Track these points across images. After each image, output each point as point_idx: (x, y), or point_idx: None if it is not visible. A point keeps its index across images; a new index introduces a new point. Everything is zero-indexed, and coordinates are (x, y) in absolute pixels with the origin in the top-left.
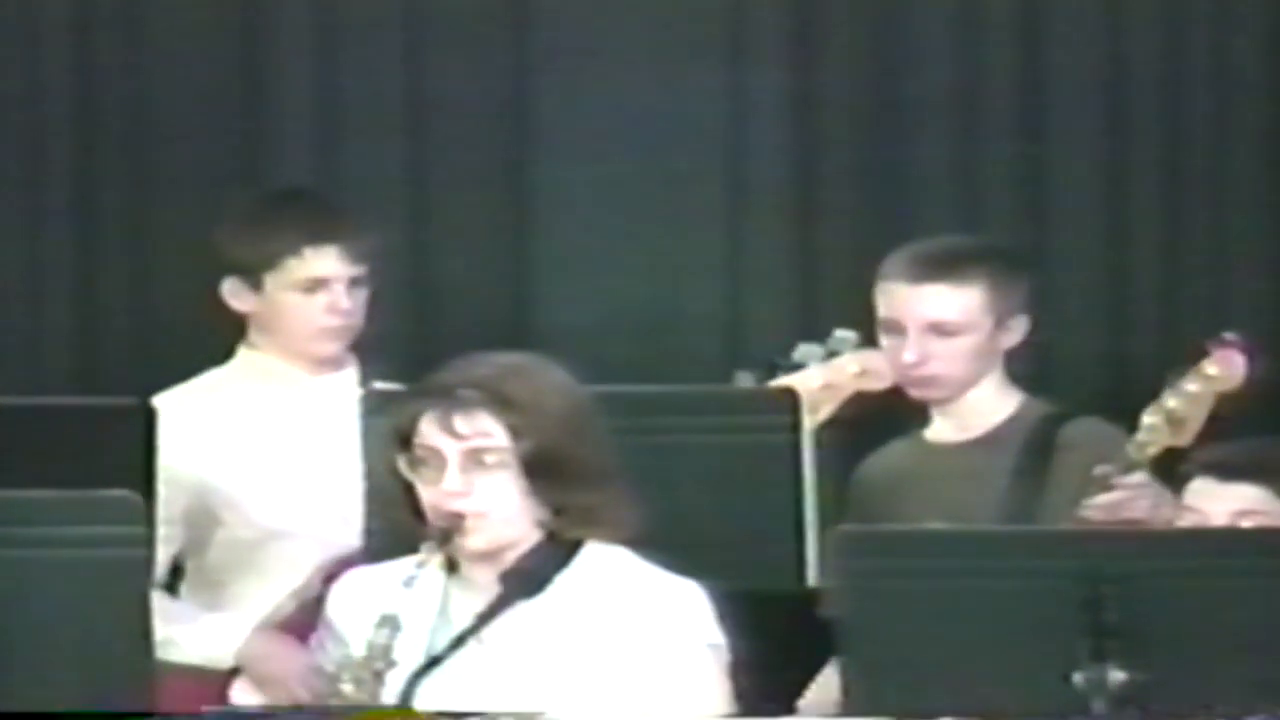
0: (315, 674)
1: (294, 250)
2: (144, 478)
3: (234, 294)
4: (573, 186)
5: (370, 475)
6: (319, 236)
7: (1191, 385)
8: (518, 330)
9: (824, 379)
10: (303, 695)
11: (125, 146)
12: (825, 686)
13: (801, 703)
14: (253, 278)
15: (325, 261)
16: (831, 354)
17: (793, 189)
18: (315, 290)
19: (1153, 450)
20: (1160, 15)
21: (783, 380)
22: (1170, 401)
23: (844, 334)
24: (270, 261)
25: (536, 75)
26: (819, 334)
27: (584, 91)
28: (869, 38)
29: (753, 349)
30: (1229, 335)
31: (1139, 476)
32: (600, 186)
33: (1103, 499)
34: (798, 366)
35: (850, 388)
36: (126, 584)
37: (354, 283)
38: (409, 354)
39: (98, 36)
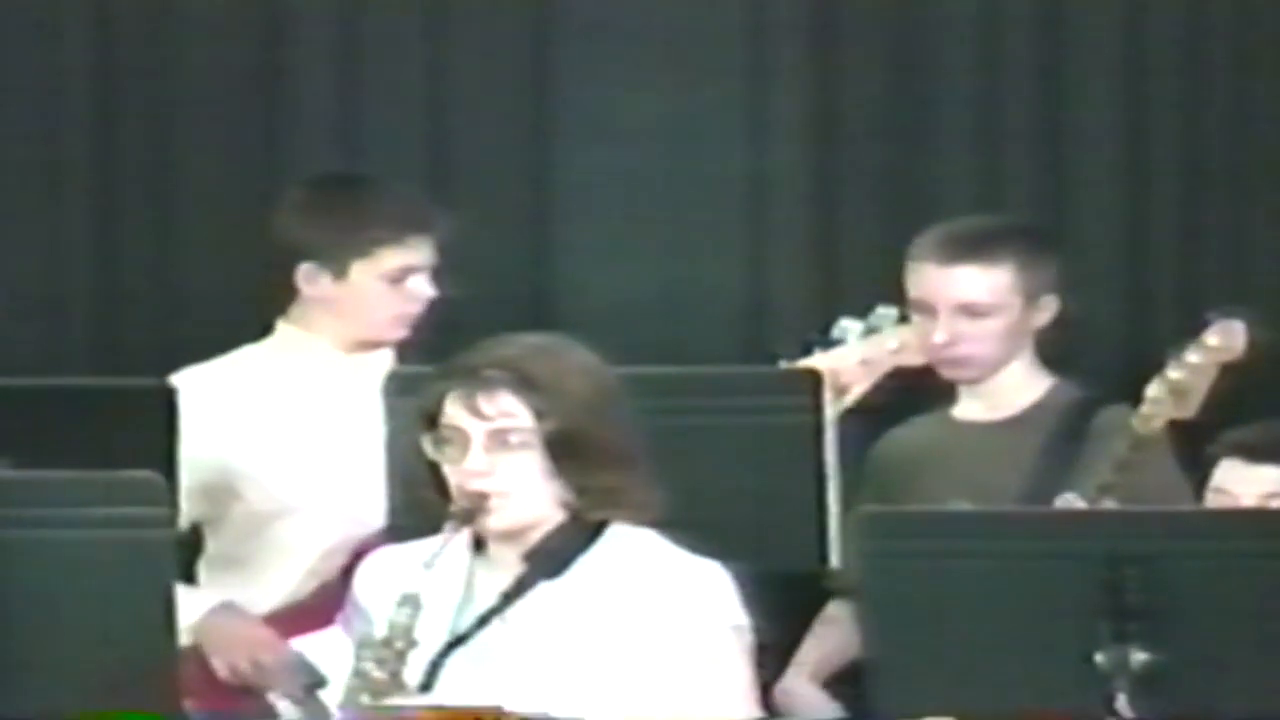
0: (264, 648)
1: (395, 240)
2: (166, 459)
3: (309, 279)
4: (595, 170)
5: (394, 454)
6: (419, 227)
7: (1193, 356)
8: (541, 313)
9: (862, 354)
10: (244, 668)
11: (146, 127)
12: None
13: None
14: (337, 264)
15: (422, 251)
16: (871, 330)
17: (814, 172)
18: (403, 278)
19: (1157, 423)
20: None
21: (819, 356)
22: (1173, 373)
23: (885, 310)
24: (363, 249)
25: (558, 58)
26: (842, 314)
27: (606, 76)
28: (890, 26)
29: (775, 331)
30: (1230, 306)
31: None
32: (622, 170)
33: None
34: (835, 343)
35: (888, 363)
36: (149, 565)
37: (433, 271)
38: (433, 337)
39: (121, 17)
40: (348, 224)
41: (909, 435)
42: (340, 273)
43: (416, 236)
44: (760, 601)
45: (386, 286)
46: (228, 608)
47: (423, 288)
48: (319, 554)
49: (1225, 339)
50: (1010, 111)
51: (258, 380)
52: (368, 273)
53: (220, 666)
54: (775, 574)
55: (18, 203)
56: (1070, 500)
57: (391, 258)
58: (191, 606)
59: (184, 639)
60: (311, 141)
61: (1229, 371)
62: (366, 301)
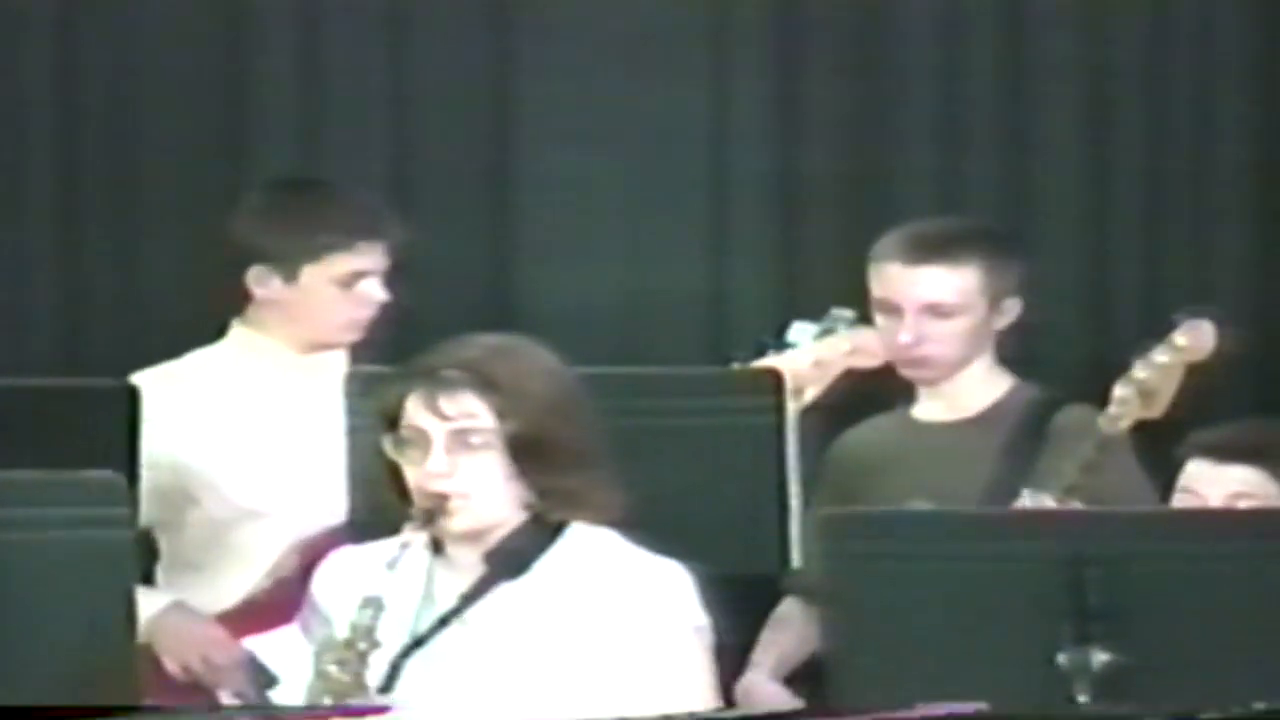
0: (214, 647)
1: (344, 245)
2: (127, 459)
3: (260, 281)
4: (555, 172)
5: (354, 455)
6: (369, 232)
7: (1161, 356)
8: (501, 315)
9: (815, 356)
10: (196, 666)
11: (109, 132)
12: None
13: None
14: (288, 268)
15: (371, 256)
16: (826, 332)
17: (776, 175)
18: (354, 283)
19: (1125, 423)
20: (1143, 3)
21: (772, 359)
22: (1140, 373)
23: (840, 311)
24: (314, 254)
25: (519, 61)
26: (801, 317)
27: (568, 79)
28: (852, 27)
29: (735, 332)
30: (1198, 306)
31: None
32: (583, 172)
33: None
34: (788, 346)
35: (841, 365)
36: (109, 565)
37: (385, 275)
38: (393, 339)
39: (83, 22)
40: (298, 228)
41: (868, 435)
42: (290, 276)
43: (367, 242)
44: (721, 602)
45: (337, 290)
46: (179, 607)
47: (374, 292)
48: (274, 557)
49: (1194, 339)
50: (972, 114)
51: (211, 383)
52: (318, 277)
53: (171, 665)
54: (736, 575)
55: None
56: (1030, 496)
57: (342, 262)
58: (143, 606)
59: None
60: (274, 145)
61: (1196, 372)
62: (317, 305)
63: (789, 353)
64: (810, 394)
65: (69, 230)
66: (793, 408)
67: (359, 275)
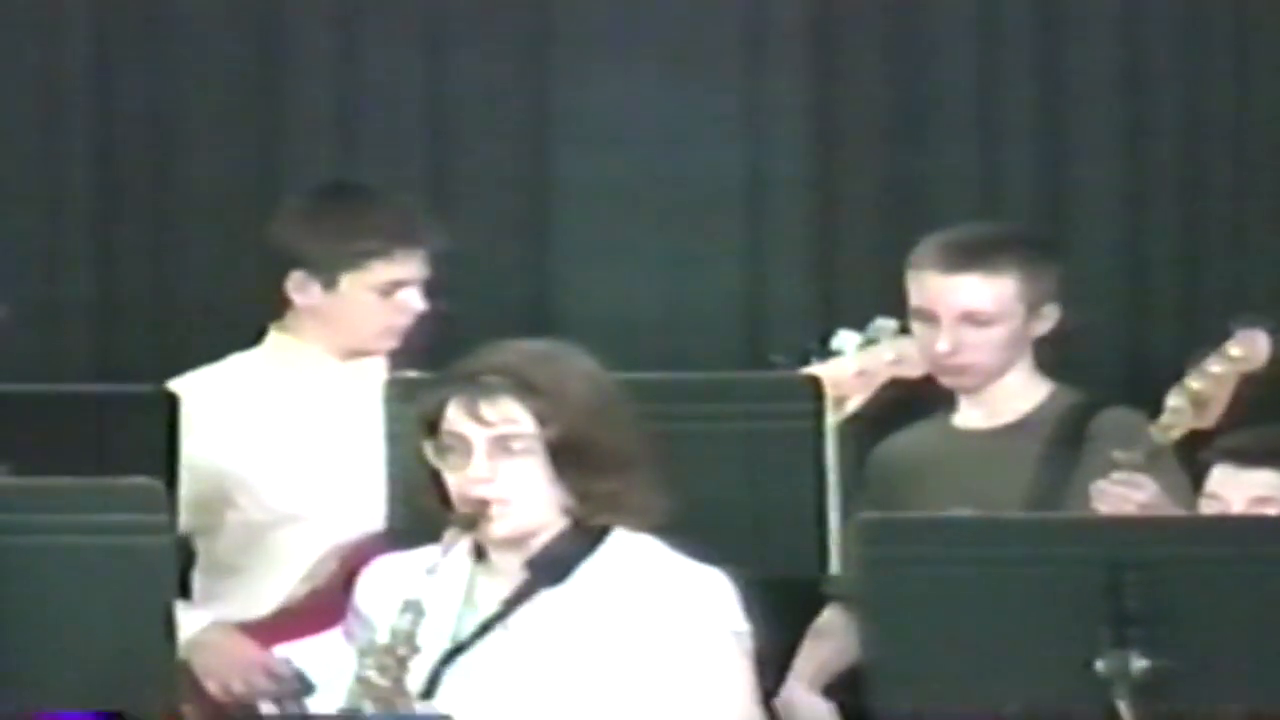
0: (256, 670)
1: (384, 253)
2: (166, 465)
3: (299, 287)
4: (594, 178)
5: (394, 460)
6: (409, 240)
7: (1215, 366)
8: (539, 320)
9: (858, 366)
10: (238, 689)
11: (145, 135)
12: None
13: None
14: (328, 275)
15: (411, 265)
16: (870, 341)
17: (813, 180)
18: (393, 291)
19: (1176, 432)
20: (1179, 6)
21: (816, 366)
22: (1194, 383)
23: (884, 322)
24: (354, 262)
25: (556, 66)
26: (838, 324)
27: (605, 85)
28: (889, 27)
29: (773, 337)
30: (1252, 315)
31: (1137, 477)
32: (620, 178)
33: (1096, 485)
34: (833, 354)
35: (884, 375)
36: (148, 571)
37: (425, 284)
38: (432, 344)
39: (119, 23)
40: (338, 235)
41: (909, 442)
42: (330, 283)
43: (405, 250)
44: (760, 607)
45: (376, 298)
46: (219, 627)
47: (413, 301)
48: (310, 562)
49: (1248, 349)
50: (1010, 118)
51: (250, 388)
52: (357, 284)
53: (213, 686)
54: (775, 580)
55: (18, 211)
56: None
57: (381, 271)
58: (182, 625)
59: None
60: (311, 149)
61: (1249, 382)
62: (356, 312)
63: (833, 361)
64: (854, 403)
65: (106, 234)
66: (835, 416)
67: (398, 284)
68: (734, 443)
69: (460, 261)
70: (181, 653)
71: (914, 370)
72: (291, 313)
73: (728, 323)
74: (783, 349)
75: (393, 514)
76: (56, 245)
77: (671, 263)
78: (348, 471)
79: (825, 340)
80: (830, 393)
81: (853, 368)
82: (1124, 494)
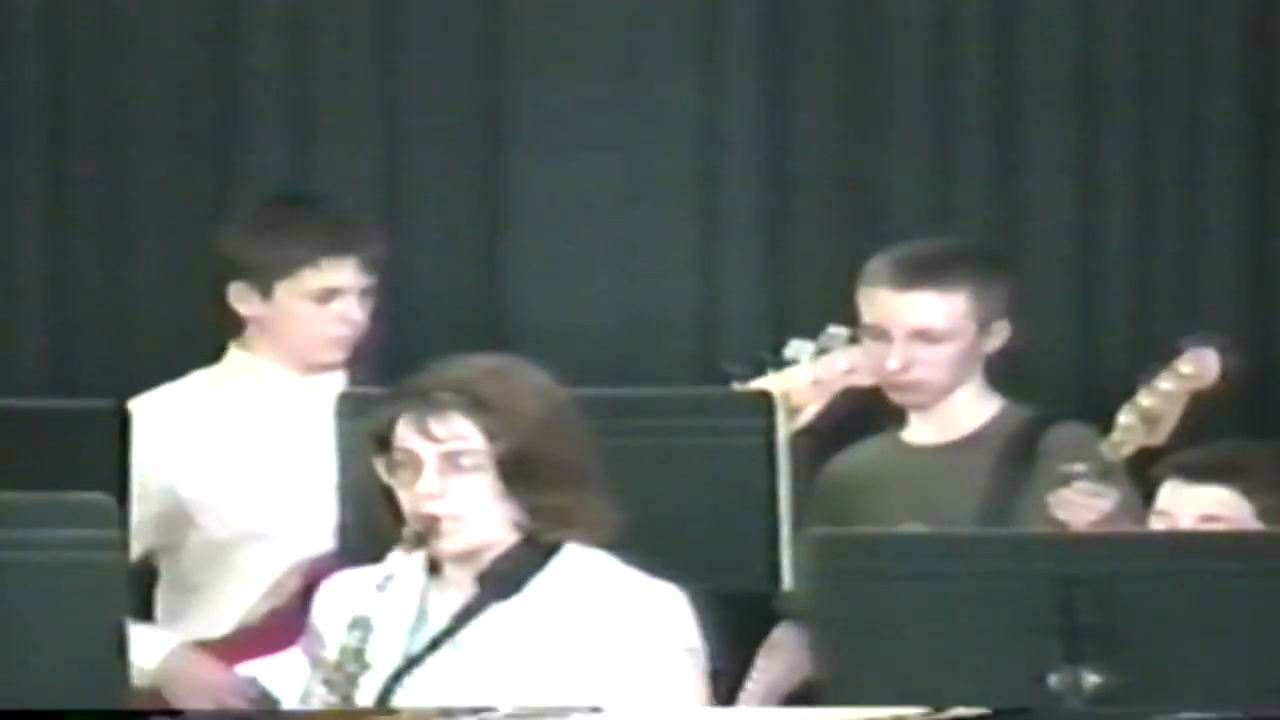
0: (225, 692)
1: (311, 260)
2: (118, 481)
3: (240, 298)
4: (546, 187)
5: (345, 477)
6: (337, 247)
7: (1166, 384)
8: (491, 332)
9: (813, 375)
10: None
11: (98, 145)
12: (766, 670)
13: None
14: (263, 284)
15: (342, 273)
16: (822, 350)
17: (767, 188)
18: (328, 300)
19: (1128, 450)
20: (1134, 17)
21: (771, 377)
22: (1145, 400)
23: (836, 330)
24: (284, 269)
25: (510, 74)
26: (793, 334)
27: (558, 91)
28: (843, 40)
29: (727, 348)
30: (1202, 334)
31: (1099, 487)
32: (574, 187)
33: (1058, 493)
34: (787, 363)
35: (839, 384)
36: (100, 587)
37: (364, 292)
38: (382, 356)
39: (70, 34)
40: (270, 243)
41: (859, 457)
42: (266, 292)
43: (333, 258)
44: (712, 623)
45: (313, 306)
46: (185, 650)
47: (350, 310)
48: (272, 579)
49: (1199, 367)
50: (963, 132)
51: (210, 405)
52: (291, 293)
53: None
54: (727, 595)
55: None
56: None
57: (311, 278)
58: (149, 649)
59: (143, 681)
60: (264, 161)
61: (1199, 399)
62: (294, 322)
63: (787, 371)
64: (810, 411)
65: (57, 248)
66: (790, 427)
67: (331, 292)
68: (686, 457)
69: (411, 268)
70: (150, 679)
71: (868, 379)
72: (249, 328)
73: (681, 330)
74: (736, 357)
75: (344, 531)
76: (7, 258)
77: (624, 270)
78: (308, 488)
79: (778, 350)
80: (785, 403)
81: (808, 377)
82: (1086, 502)
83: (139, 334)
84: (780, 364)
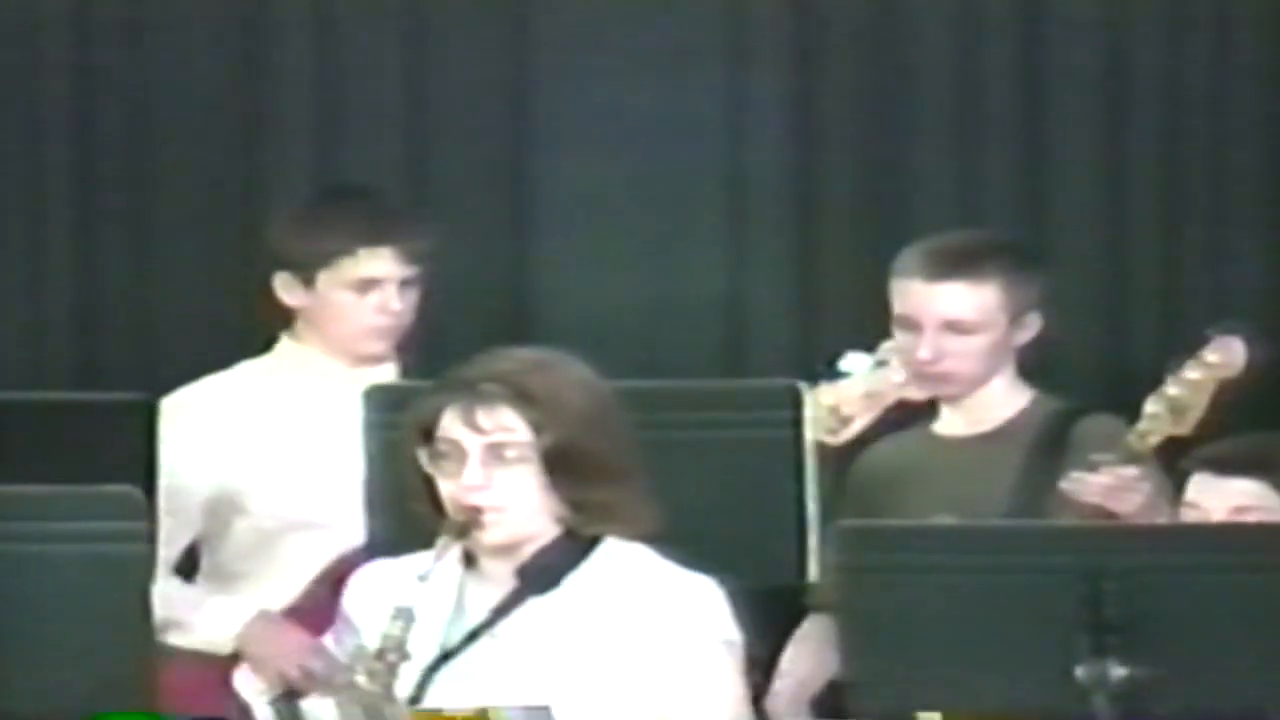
0: (310, 654)
1: (348, 250)
2: (146, 473)
3: (285, 288)
4: (574, 182)
5: (371, 470)
6: (374, 237)
7: (1192, 373)
8: (519, 326)
9: (866, 387)
10: (293, 675)
11: (126, 145)
12: (795, 662)
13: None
14: (306, 274)
15: (379, 262)
16: (880, 364)
17: (793, 184)
18: (367, 290)
19: (1155, 439)
20: (1160, 10)
21: (824, 388)
22: (1172, 389)
23: (892, 344)
24: (324, 259)
25: (537, 69)
26: (819, 326)
27: (585, 86)
28: (869, 34)
29: (754, 341)
30: (1229, 323)
31: (1134, 470)
32: (601, 182)
33: (1090, 478)
34: (840, 375)
35: (892, 396)
36: (127, 580)
37: (405, 284)
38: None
39: (98, 30)
40: (311, 234)
41: (890, 450)
42: (309, 282)
43: (369, 247)
44: (741, 615)
45: (353, 297)
46: (267, 616)
47: (389, 300)
48: (316, 568)
49: (1225, 356)
50: (991, 122)
51: (259, 394)
52: (331, 283)
53: (266, 674)
54: (756, 588)
55: None
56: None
57: (349, 268)
58: (231, 616)
59: (226, 648)
60: (291, 156)
61: (1226, 388)
62: (335, 311)
63: (841, 382)
64: (860, 423)
65: (86, 246)
66: (840, 437)
67: (370, 282)
68: (714, 451)
69: (439, 266)
70: (234, 644)
71: (922, 393)
72: (300, 321)
73: (708, 323)
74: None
75: (371, 523)
76: (37, 253)
77: (651, 264)
78: (353, 478)
79: (833, 362)
80: (837, 414)
81: (860, 389)
82: (1110, 489)
83: (166, 328)
84: (834, 375)
